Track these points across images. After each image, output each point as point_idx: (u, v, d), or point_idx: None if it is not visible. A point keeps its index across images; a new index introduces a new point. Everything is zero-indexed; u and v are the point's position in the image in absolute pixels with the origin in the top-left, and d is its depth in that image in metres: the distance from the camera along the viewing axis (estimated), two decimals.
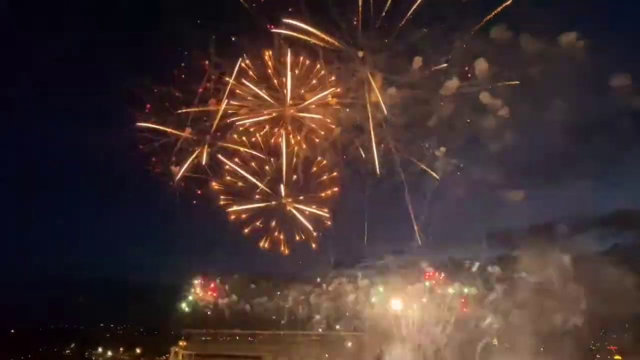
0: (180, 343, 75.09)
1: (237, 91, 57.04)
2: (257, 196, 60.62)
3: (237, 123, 57.64)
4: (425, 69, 54.41)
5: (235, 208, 61.07)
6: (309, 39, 52.34)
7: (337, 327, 72.88)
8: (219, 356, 71.51)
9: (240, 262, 76.47)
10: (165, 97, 56.65)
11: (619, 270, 62.12)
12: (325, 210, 61.32)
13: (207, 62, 55.43)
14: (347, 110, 57.39)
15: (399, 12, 51.50)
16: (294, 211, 60.92)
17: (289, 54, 54.14)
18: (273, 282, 75.26)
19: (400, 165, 58.42)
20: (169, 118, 57.32)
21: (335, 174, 61.01)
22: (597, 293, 62.55)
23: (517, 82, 54.37)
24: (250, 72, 56.95)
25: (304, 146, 58.93)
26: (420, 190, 62.05)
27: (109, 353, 77.50)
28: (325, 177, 61.45)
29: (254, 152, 59.97)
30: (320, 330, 72.93)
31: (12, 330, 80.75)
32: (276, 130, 58.85)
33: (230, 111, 57.25)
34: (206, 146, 58.04)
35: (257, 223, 62.01)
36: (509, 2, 50.30)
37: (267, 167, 60.57)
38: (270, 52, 55.72)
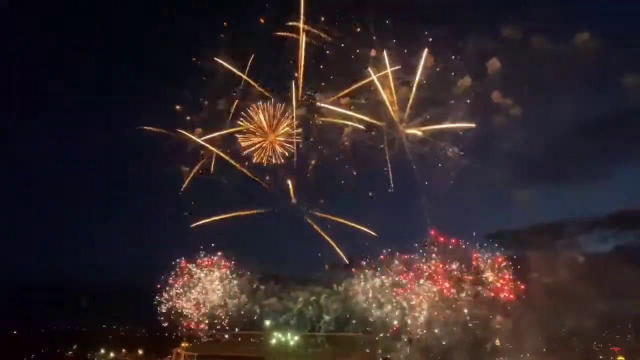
0: (182, 344, 75.04)
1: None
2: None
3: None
4: (438, 68, 54.46)
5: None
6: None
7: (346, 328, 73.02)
8: (221, 357, 71.32)
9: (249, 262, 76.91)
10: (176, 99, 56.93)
11: (621, 271, 62.12)
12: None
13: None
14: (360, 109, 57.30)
15: (413, 12, 51.84)
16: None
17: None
18: (282, 284, 75.24)
19: (414, 164, 58.66)
20: (179, 119, 57.66)
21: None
22: (600, 294, 62.56)
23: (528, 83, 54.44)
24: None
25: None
26: (433, 189, 62.63)
27: (111, 354, 77.28)
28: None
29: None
30: (323, 331, 72.94)
31: (15, 332, 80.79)
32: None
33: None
34: (216, 148, 58.24)
35: None
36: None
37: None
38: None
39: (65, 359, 77.35)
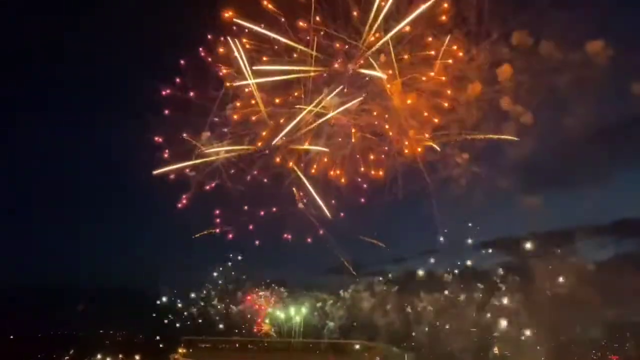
0: (180, 350, 74.81)
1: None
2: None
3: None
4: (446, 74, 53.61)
5: None
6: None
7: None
8: None
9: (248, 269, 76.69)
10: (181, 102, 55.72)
11: (621, 279, 61.90)
12: None
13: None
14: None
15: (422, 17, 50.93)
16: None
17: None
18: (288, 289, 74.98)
19: (423, 171, 57.90)
20: (185, 124, 56.44)
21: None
22: (600, 302, 62.38)
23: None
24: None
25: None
26: (442, 196, 62.07)
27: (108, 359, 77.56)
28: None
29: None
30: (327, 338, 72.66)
31: (12, 337, 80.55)
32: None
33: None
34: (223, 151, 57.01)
35: None
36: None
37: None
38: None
39: None
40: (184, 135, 55.49)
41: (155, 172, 54.38)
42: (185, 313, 74.73)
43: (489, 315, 69.52)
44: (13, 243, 79.87)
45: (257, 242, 65.54)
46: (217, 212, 59.96)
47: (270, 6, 49.93)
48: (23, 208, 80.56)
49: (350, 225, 60.16)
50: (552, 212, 63.75)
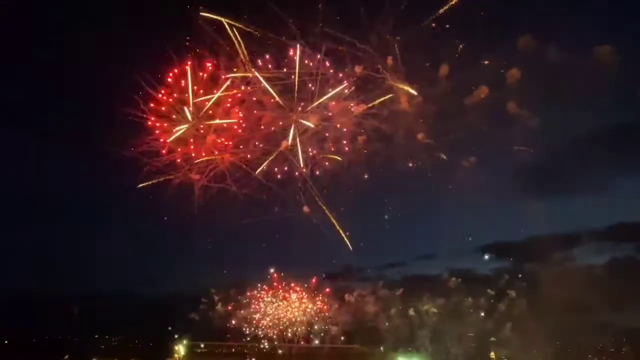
0: (176, 355, 74.61)
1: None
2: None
3: None
4: (453, 78, 53.34)
5: None
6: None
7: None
8: None
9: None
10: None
11: (617, 284, 62.09)
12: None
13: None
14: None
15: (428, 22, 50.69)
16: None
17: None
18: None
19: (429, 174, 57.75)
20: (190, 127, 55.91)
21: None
22: (596, 306, 62.54)
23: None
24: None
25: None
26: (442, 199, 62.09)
27: None
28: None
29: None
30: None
31: (6, 341, 79.80)
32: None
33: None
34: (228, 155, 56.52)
35: None
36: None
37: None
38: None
39: None
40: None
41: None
42: (184, 317, 74.22)
43: (486, 318, 69.56)
44: (6, 247, 78.68)
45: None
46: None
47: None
48: (19, 214, 79.27)
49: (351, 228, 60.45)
50: (550, 217, 64.03)
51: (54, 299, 78.16)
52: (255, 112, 55.48)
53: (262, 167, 56.14)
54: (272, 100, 54.43)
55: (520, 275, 71.25)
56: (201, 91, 53.94)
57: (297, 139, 55.20)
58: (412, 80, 53.52)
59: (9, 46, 62.09)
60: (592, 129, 64.03)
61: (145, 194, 57.61)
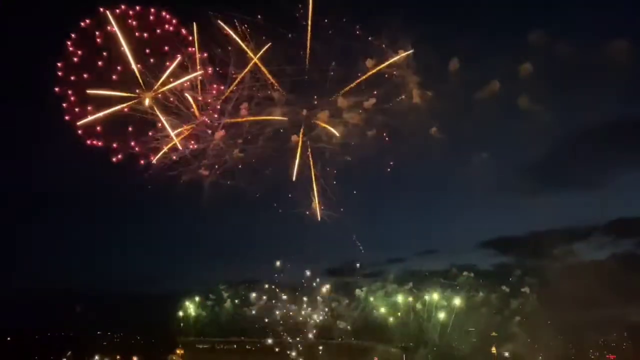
0: (177, 351, 74.72)
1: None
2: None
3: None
4: (463, 74, 53.81)
5: None
6: None
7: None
8: None
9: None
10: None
11: (618, 279, 62.08)
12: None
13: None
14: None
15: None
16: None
17: None
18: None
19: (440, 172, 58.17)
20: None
21: None
22: (597, 301, 62.52)
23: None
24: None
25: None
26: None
27: None
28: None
29: None
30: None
31: (9, 338, 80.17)
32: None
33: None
34: (237, 150, 56.78)
35: None
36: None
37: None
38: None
39: None
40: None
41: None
42: (190, 314, 74.62)
43: (487, 313, 69.69)
44: (10, 245, 79.35)
45: None
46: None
47: None
48: (21, 213, 79.96)
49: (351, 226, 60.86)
50: (550, 212, 64.34)
51: (57, 296, 78.70)
52: (264, 108, 56.07)
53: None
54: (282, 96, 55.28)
55: (521, 271, 71.33)
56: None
57: (306, 136, 55.90)
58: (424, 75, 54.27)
59: None
60: (593, 124, 64.31)
61: (147, 190, 58.23)
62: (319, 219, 56.05)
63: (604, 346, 70.78)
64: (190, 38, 52.05)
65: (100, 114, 50.23)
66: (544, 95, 55.02)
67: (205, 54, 52.59)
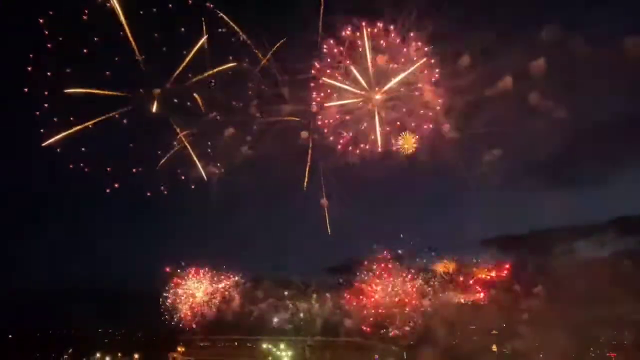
0: (179, 349, 74.88)
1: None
2: None
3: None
4: (476, 69, 53.45)
5: None
6: None
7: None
8: None
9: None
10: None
11: (619, 277, 62.03)
12: None
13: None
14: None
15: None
16: None
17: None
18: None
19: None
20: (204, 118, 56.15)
21: None
22: (598, 300, 62.52)
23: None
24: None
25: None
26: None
27: (107, 359, 77.29)
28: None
29: None
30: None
31: (10, 336, 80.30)
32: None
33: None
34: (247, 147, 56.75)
35: None
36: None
37: None
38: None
39: None
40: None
41: None
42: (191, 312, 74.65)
43: (488, 311, 69.67)
44: (10, 243, 79.21)
45: None
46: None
47: None
48: (21, 210, 79.67)
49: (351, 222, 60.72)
50: (551, 210, 64.04)
51: (58, 294, 78.71)
52: (273, 105, 56.00)
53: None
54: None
55: (522, 269, 71.19)
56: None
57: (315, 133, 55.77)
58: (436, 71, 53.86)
59: None
60: (602, 122, 63.74)
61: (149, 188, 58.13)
62: (326, 216, 56.30)
63: (604, 344, 70.86)
64: None
65: None
66: (556, 92, 54.70)
67: None
